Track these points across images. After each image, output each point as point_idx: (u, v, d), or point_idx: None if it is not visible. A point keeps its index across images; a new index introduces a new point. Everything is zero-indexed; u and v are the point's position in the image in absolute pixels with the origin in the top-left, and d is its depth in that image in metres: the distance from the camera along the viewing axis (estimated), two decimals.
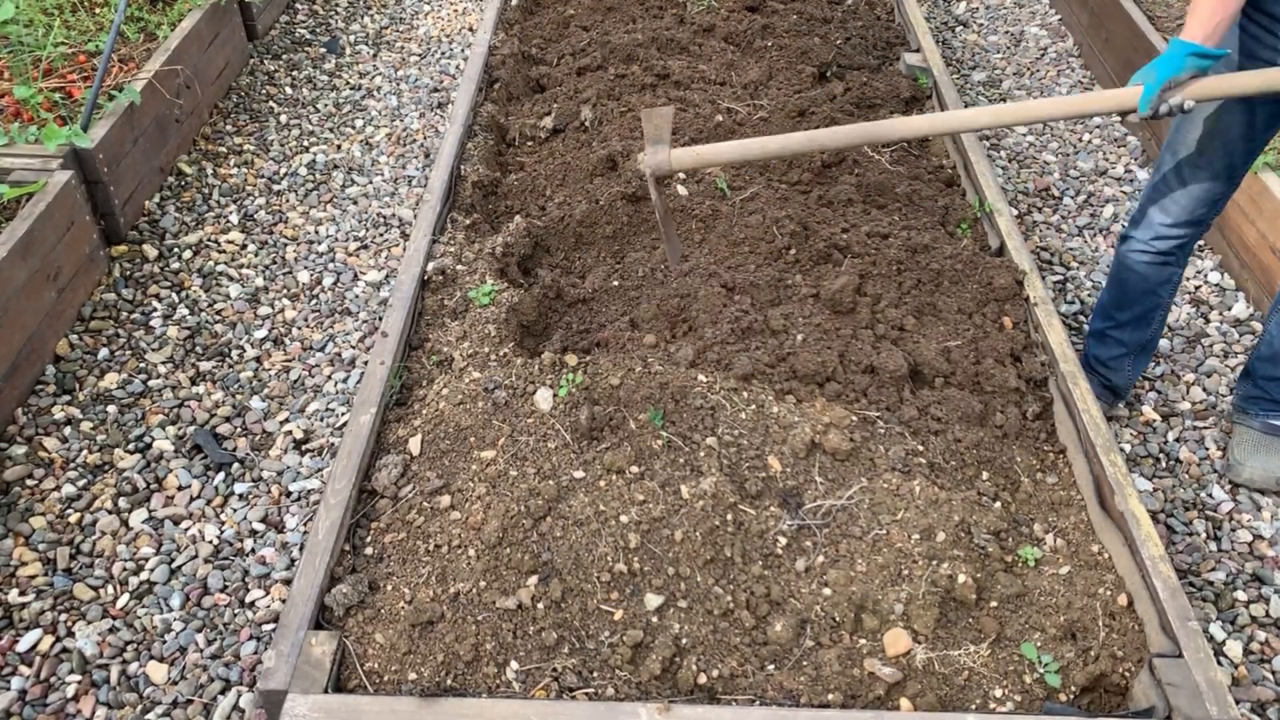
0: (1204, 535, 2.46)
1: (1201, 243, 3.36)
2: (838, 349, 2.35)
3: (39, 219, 2.62)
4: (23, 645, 2.11)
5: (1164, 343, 2.99)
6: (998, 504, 2.12)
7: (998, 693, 1.82)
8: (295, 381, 2.76)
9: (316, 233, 3.26)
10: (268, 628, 2.18)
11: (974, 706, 1.80)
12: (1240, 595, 2.34)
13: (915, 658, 1.85)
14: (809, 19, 3.93)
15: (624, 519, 1.96)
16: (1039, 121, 2.14)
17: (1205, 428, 2.72)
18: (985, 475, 2.18)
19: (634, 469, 2.06)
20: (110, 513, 2.38)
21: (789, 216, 2.74)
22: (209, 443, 2.53)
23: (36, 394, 2.63)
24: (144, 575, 2.26)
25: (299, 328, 2.92)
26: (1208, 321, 3.06)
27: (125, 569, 2.27)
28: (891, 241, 2.73)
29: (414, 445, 2.17)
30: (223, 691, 2.06)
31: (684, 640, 1.85)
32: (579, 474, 2.05)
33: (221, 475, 2.48)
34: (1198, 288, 3.18)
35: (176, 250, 3.14)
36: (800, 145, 2.22)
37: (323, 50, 4.22)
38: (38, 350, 2.64)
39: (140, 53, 3.42)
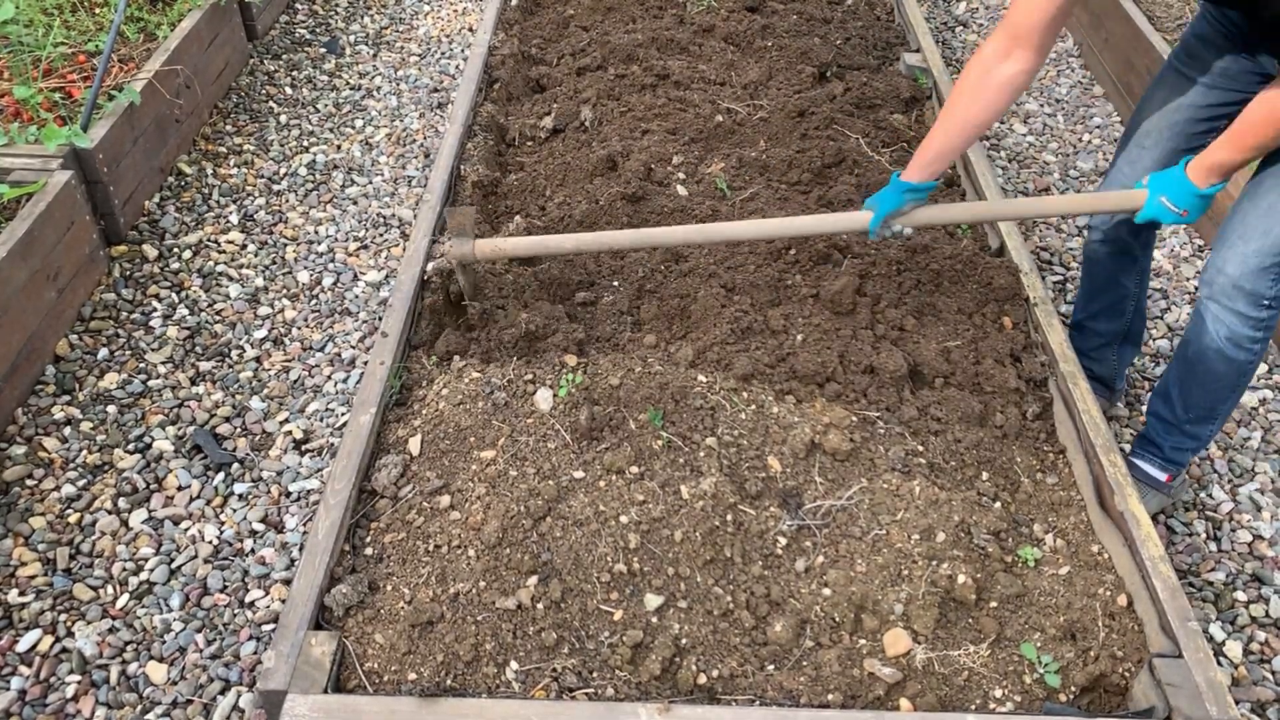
0: (1204, 535, 2.46)
1: (1200, 241, 3.36)
2: (837, 349, 2.35)
3: (39, 219, 2.62)
4: (22, 645, 2.11)
5: (1163, 342, 2.99)
6: (997, 504, 2.12)
7: (998, 693, 1.82)
8: (295, 382, 2.76)
9: (316, 233, 3.26)
10: (267, 628, 2.18)
11: (974, 707, 1.80)
12: (1240, 595, 2.34)
13: (915, 658, 1.85)
14: (809, 19, 3.93)
15: (624, 519, 1.96)
16: (790, 235, 2.46)
17: None
18: (985, 475, 2.18)
19: (634, 469, 2.06)
20: (110, 513, 2.38)
21: (789, 216, 2.74)
22: (209, 443, 2.53)
23: (36, 394, 2.62)
24: (144, 575, 2.26)
25: (299, 328, 2.92)
26: None
27: (125, 569, 2.27)
28: (891, 241, 2.73)
29: (414, 445, 2.17)
30: (222, 692, 2.06)
31: (684, 640, 1.85)
32: (579, 474, 2.05)
33: (221, 475, 2.48)
34: (1198, 287, 3.17)
35: (176, 250, 3.14)
36: (626, 242, 2.42)
37: (323, 50, 4.22)
38: (38, 350, 2.64)
39: (140, 53, 3.42)
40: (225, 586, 2.25)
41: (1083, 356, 2.59)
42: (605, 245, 2.42)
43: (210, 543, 2.33)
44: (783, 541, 2.00)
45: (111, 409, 2.61)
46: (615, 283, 2.66)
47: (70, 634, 2.14)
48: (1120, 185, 2.31)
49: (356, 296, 3.03)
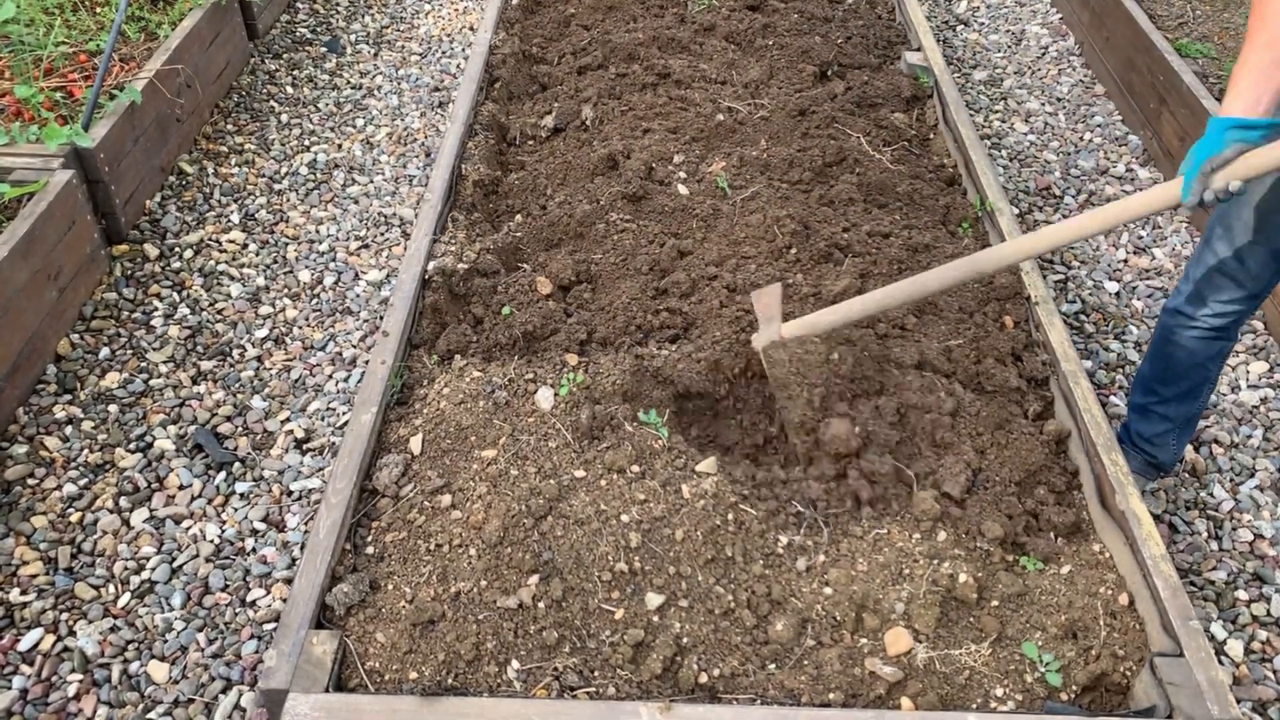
0: (1205, 534, 2.46)
1: None
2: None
3: (40, 218, 2.62)
4: (24, 644, 2.11)
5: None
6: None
7: (999, 692, 1.82)
8: (296, 381, 2.76)
9: (317, 232, 3.26)
10: (269, 627, 2.18)
11: (975, 706, 1.80)
12: (1241, 594, 2.34)
13: (916, 657, 1.85)
14: (810, 18, 3.92)
15: (625, 518, 1.96)
16: (1090, 236, 2.00)
17: (1207, 425, 2.72)
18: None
19: (635, 468, 2.06)
20: (111, 512, 2.38)
21: (790, 216, 2.74)
22: (210, 442, 2.53)
23: (38, 393, 2.63)
24: (145, 574, 2.26)
25: (300, 327, 2.92)
26: None
27: (126, 568, 2.27)
28: (892, 240, 2.73)
29: (415, 444, 2.17)
30: (224, 691, 2.06)
31: (685, 639, 1.85)
32: (580, 473, 2.05)
33: (222, 474, 2.48)
34: None
35: (177, 249, 3.14)
36: (904, 295, 2.07)
37: (323, 49, 4.22)
38: (39, 350, 2.64)
39: (141, 52, 3.42)
40: (227, 585, 2.25)
41: (1144, 443, 2.38)
42: (897, 300, 2.09)
43: (211, 542, 2.34)
44: (784, 540, 2.00)
45: (113, 408, 2.61)
46: (625, 285, 2.66)
47: (72, 633, 2.14)
48: (1223, 277, 2.07)
49: (358, 295, 3.03)
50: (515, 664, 1.81)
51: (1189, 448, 2.67)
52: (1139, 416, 2.39)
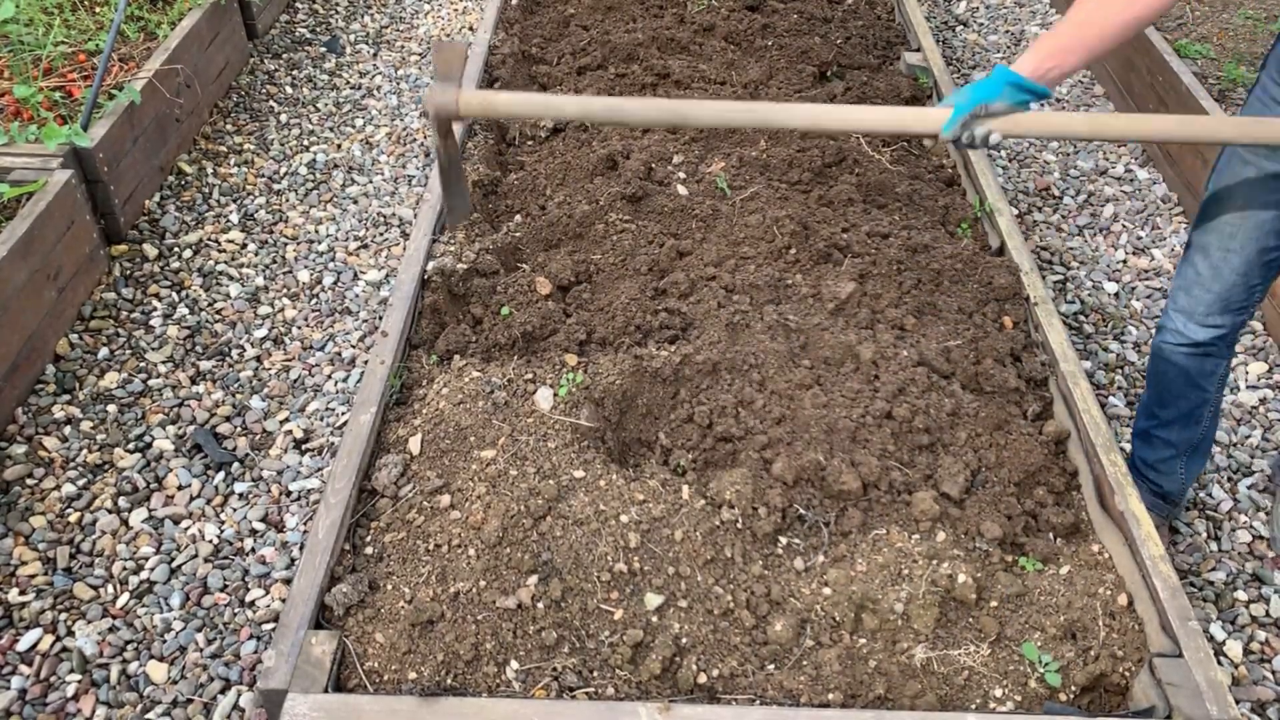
0: (1204, 535, 2.46)
1: None
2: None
3: (39, 218, 2.62)
4: (23, 644, 2.11)
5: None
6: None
7: (998, 692, 1.82)
8: (295, 381, 2.76)
9: (317, 232, 3.26)
10: (268, 627, 2.18)
11: (974, 706, 1.80)
12: (1240, 595, 2.34)
13: (915, 657, 1.85)
14: (809, 18, 3.92)
15: (624, 518, 1.96)
16: (845, 131, 1.98)
17: None
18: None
19: (634, 469, 2.06)
20: (110, 512, 2.38)
21: (789, 216, 2.74)
22: (209, 442, 2.53)
23: (36, 393, 2.62)
24: (144, 574, 2.26)
25: (299, 327, 2.92)
26: None
27: (125, 568, 2.27)
28: (892, 241, 2.73)
29: (414, 445, 2.17)
30: (223, 691, 2.06)
31: (684, 640, 1.85)
32: (579, 473, 2.05)
33: (221, 474, 2.48)
34: None
35: (176, 249, 3.14)
36: (642, 114, 1.91)
37: (323, 49, 4.22)
38: (38, 349, 2.64)
39: (140, 52, 3.42)
40: (225, 586, 2.25)
41: (1150, 471, 2.36)
42: (618, 117, 1.94)
43: (210, 542, 2.34)
44: (783, 541, 2.00)
45: (112, 408, 2.61)
46: (624, 285, 2.65)
47: (71, 633, 2.14)
48: (1201, 290, 2.09)
49: (357, 296, 3.03)
50: (514, 664, 1.81)
51: None
52: (1142, 443, 2.36)
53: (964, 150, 1.80)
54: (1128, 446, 2.64)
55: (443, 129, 1.93)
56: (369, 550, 2.00)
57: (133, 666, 2.10)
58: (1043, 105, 1.70)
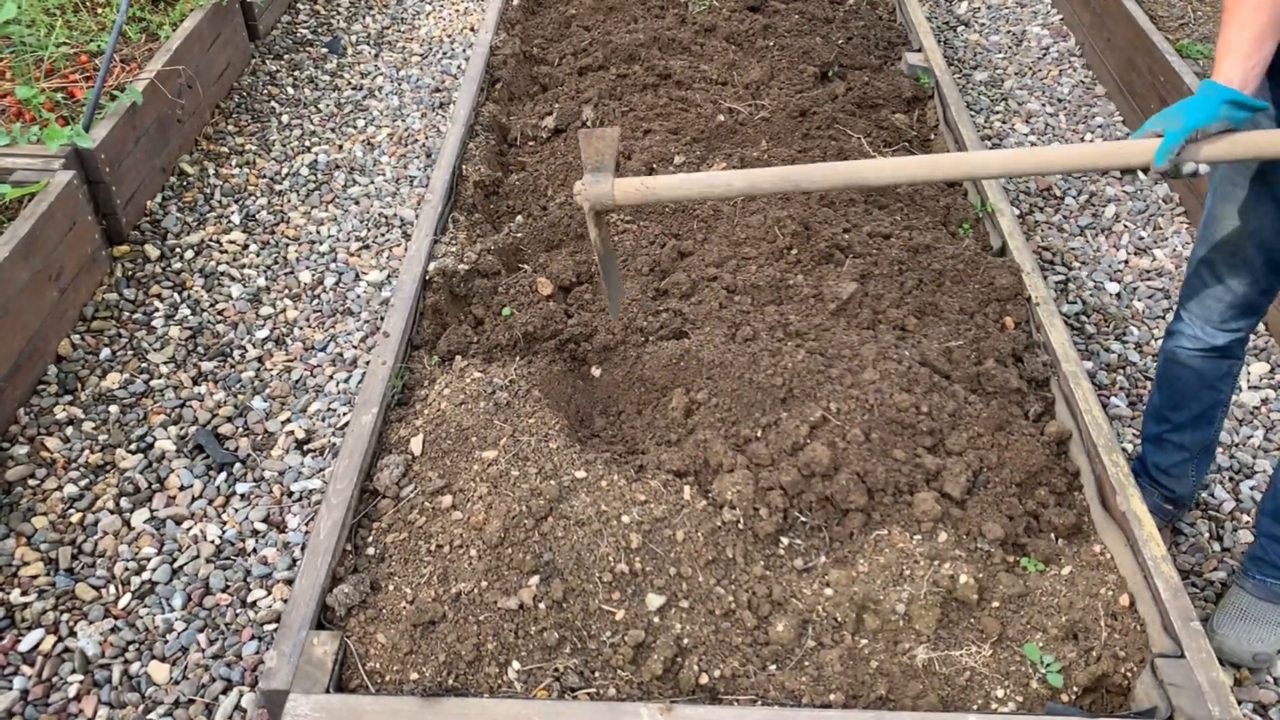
0: (1207, 535, 2.46)
1: None
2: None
3: (41, 219, 2.62)
4: (25, 645, 2.11)
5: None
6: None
7: (999, 693, 1.82)
8: (297, 381, 2.76)
9: (318, 233, 3.26)
10: (269, 628, 2.18)
11: (976, 707, 1.80)
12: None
13: (917, 657, 1.85)
14: (810, 19, 3.92)
15: (625, 519, 1.96)
16: (1052, 172, 1.86)
17: None
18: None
19: (634, 469, 2.06)
20: (112, 513, 2.38)
21: (790, 216, 2.74)
22: (211, 443, 2.53)
23: (38, 394, 2.63)
24: (146, 575, 2.26)
25: (301, 328, 2.92)
26: None
27: (127, 569, 2.27)
28: (893, 241, 2.73)
29: (415, 445, 2.17)
30: (224, 691, 2.06)
31: (685, 640, 1.85)
32: (581, 474, 2.05)
33: (223, 475, 2.48)
34: None
35: (178, 250, 3.14)
36: (773, 184, 1.84)
37: (324, 50, 4.22)
38: (40, 350, 2.64)
39: (142, 53, 3.42)
40: (227, 586, 2.25)
41: (1162, 476, 2.33)
42: (764, 188, 1.85)
43: (212, 542, 2.34)
44: (784, 541, 2.00)
45: (113, 409, 2.62)
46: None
47: (73, 634, 2.14)
48: (1215, 300, 2.05)
49: (358, 296, 3.03)
50: (516, 665, 1.81)
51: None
52: (1154, 448, 2.33)
53: (1170, 179, 1.75)
54: (1129, 447, 2.64)
55: (599, 220, 1.88)
56: (371, 551, 2.00)
57: (134, 667, 2.10)
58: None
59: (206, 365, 2.77)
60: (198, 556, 2.31)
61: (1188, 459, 2.29)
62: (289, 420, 2.64)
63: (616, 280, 2.03)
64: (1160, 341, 2.98)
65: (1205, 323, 2.13)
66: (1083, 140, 3.84)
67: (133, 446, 2.53)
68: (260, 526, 2.37)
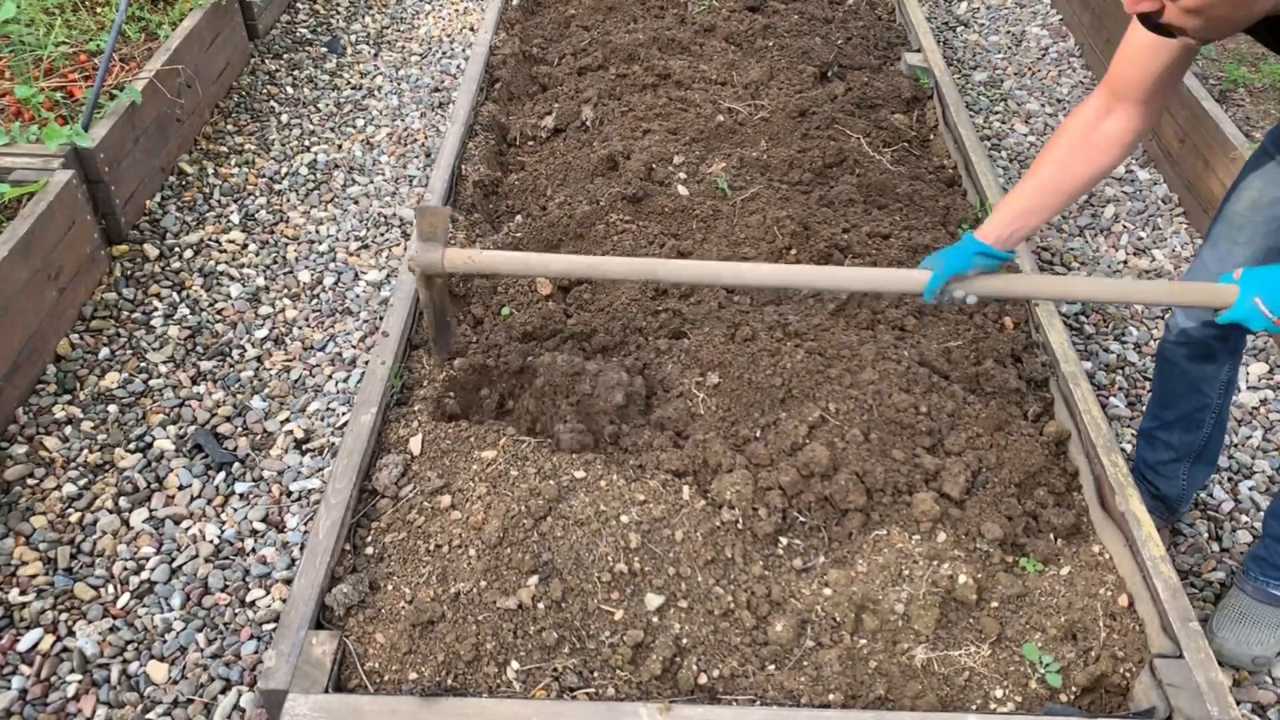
0: (1206, 535, 2.46)
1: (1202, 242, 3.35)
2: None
3: (40, 218, 2.62)
4: (23, 644, 2.11)
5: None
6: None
7: (998, 693, 1.82)
8: (296, 381, 2.76)
9: (317, 232, 3.26)
10: (268, 627, 2.18)
11: (975, 707, 1.80)
12: None
13: (916, 657, 1.85)
14: (810, 19, 3.92)
15: (624, 519, 1.96)
16: (823, 288, 2.32)
17: None
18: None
19: (634, 469, 2.06)
20: (111, 512, 2.38)
21: (790, 216, 2.74)
22: (210, 442, 2.53)
23: (37, 393, 2.63)
24: (145, 575, 2.26)
25: (300, 327, 2.92)
26: None
27: (126, 568, 2.27)
28: (892, 242, 2.73)
29: (415, 445, 2.17)
30: (223, 691, 2.06)
31: (684, 640, 1.85)
32: (580, 474, 2.05)
33: (222, 475, 2.48)
34: None
35: (177, 250, 3.14)
36: (582, 272, 2.25)
37: (324, 50, 4.22)
38: (39, 350, 2.64)
39: (141, 52, 3.42)
40: (226, 586, 2.25)
41: (1149, 472, 2.33)
42: (598, 273, 2.18)
43: (211, 542, 2.34)
44: (784, 541, 2.00)
45: (112, 408, 2.61)
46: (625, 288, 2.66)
47: (71, 633, 2.14)
48: (1205, 280, 2.04)
49: (357, 296, 3.03)
50: (515, 664, 1.81)
51: None
52: (1145, 442, 2.35)
53: (943, 306, 2.29)
54: (1128, 447, 2.64)
55: (428, 283, 2.19)
56: (369, 550, 2.00)
57: (133, 666, 2.10)
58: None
59: (205, 365, 2.77)
60: (196, 556, 2.30)
61: (1176, 460, 2.29)
62: (288, 420, 2.64)
63: (445, 332, 2.34)
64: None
65: (1188, 313, 2.12)
66: None
67: (131, 446, 2.53)
68: (259, 526, 2.37)
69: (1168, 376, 2.23)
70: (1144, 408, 2.76)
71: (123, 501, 2.40)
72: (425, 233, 2.15)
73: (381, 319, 2.82)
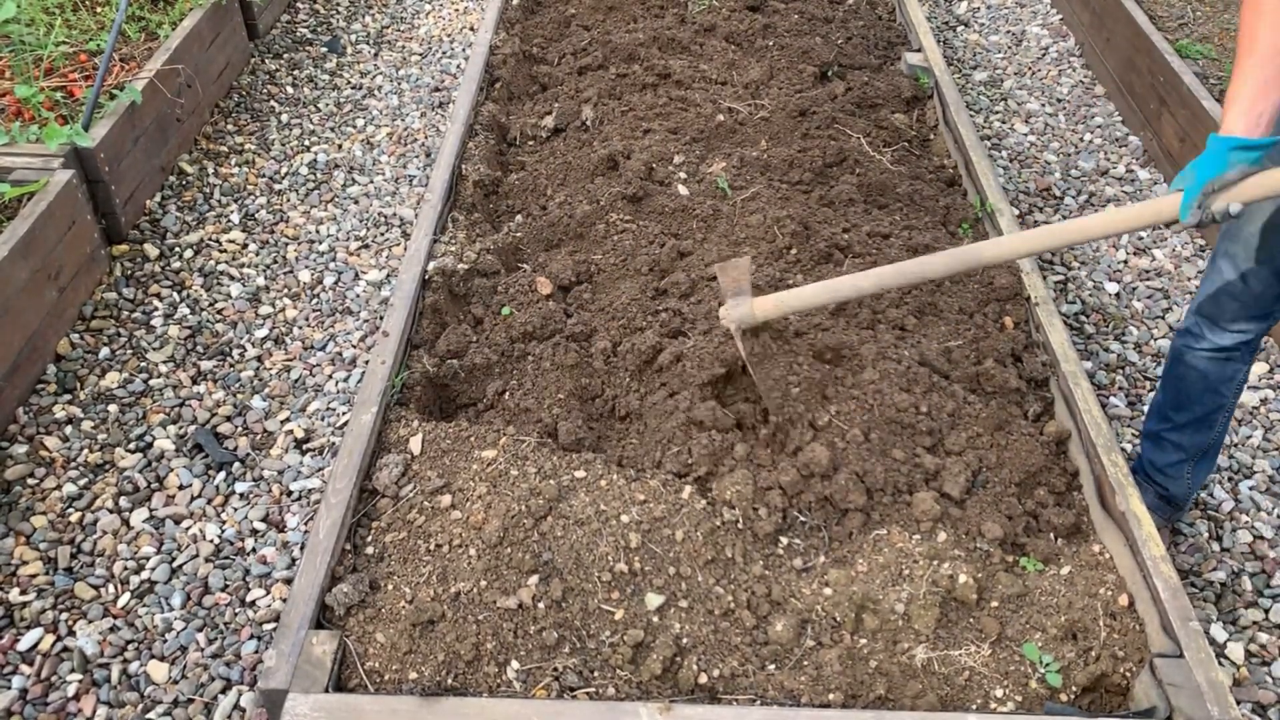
0: (1206, 535, 2.46)
1: (1203, 242, 3.36)
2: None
3: (40, 218, 2.62)
4: (24, 644, 2.11)
5: (1164, 343, 2.99)
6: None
7: (999, 692, 1.82)
8: (296, 381, 2.76)
9: (317, 232, 3.26)
10: (269, 627, 2.18)
11: (975, 706, 1.80)
12: (1241, 595, 2.33)
13: (916, 657, 1.85)
14: (810, 18, 3.92)
15: (625, 519, 1.96)
16: (1089, 240, 1.97)
17: None
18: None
19: (635, 468, 2.06)
20: (111, 512, 2.38)
21: (790, 216, 2.74)
22: (210, 442, 2.53)
23: (38, 393, 2.63)
24: (145, 574, 2.26)
25: (300, 327, 2.92)
26: None
27: (126, 568, 2.27)
28: (893, 241, 2.73)
29: (415, 445, 2.17)
30: (224, 691, 2.06)
31: (685, 640, 1.85)
32: (580, 474, 2.05)
33: (222, 474, 2.48)
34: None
35: (177, 249, 3.14)
36: (893, 280, 2.01)
37: (324, 49, 4.22)
38: (39, 349, 2.64)
39: (141, 52, 3.42)
40: (226, 585, 2.25)
41: (1156, 474, 2.32)
42: (887, 284, 2.02)
43: (211, 542, 2.34)
44: (784, 541, 2.00)
45: (113, 408, 2.61)
46: (624, 286, 2.66)
47: (71, 633, 2.14)
48: (1229, 297, 2.01)
49: (358, 296, 3.03)
50: (515, 664, 1.81)
51: None
52: (1152, 445, 2.32)
53: (1203, 228, 1.91)
54: (1129, 447, 2.64)
55: (744, 336, 2.08)
56: (370, 550, 2.00)
57: (133, 666, 2.10)
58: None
59: (206, 364, 2.77)
60: (197, 556, 2.30)
61: (1184, 460, 2.28)
62: (288, 419, 2.64)
63: (771, 388, 2.15)
64: (1160, 341, 2.98)
65: (1214, 321, 2.10)
66: (1081, 140, 3.84)
67: (132, 446, 2.53)
68: (259, 526, 2.37)
69: (1183, 380, 2.19)
70: (1145, 408, 2.76)
71: (123, 501, 2.40)
72: (730, 287, 2.07)
73: (381, 319, 2.82)
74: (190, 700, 2.04)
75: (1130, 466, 2.14)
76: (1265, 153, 1.68)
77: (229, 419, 2.63)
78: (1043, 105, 4.05)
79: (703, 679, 1.81)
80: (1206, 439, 2.25)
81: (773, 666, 1.84)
